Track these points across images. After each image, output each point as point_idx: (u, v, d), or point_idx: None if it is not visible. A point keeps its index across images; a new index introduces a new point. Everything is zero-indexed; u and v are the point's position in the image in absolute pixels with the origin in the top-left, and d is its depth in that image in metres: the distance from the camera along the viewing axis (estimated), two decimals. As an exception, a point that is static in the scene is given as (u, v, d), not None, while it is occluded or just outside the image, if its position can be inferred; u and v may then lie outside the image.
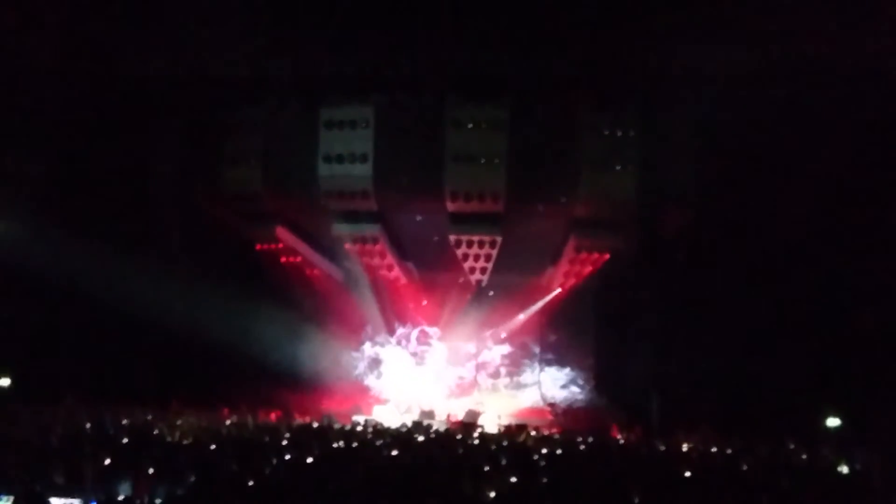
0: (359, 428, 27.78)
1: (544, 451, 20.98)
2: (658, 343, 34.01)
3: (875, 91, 26.24)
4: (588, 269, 35.36)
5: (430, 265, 38.07)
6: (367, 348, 38.88)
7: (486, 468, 16.71)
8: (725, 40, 26.34)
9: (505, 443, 24.08)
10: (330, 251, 36.69)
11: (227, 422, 28.67)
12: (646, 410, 32.75)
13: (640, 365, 35.02)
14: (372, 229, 33.73)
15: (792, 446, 24.05)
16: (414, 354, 38.90)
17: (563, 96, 30.94)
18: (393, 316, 39.07)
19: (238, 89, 31.38)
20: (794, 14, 24.94)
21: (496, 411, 34.41)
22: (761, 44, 26.21)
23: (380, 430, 26.61)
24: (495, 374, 39.65)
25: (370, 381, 38.56)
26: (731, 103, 26.99)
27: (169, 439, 21.51)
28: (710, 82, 27.72)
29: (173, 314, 30.65)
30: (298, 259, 36.67)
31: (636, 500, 13.71)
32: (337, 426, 28.54)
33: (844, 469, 19.53)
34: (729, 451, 23.22)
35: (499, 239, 33.24)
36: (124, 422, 25.31)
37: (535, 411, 37.02)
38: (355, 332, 38.57)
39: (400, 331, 39.05)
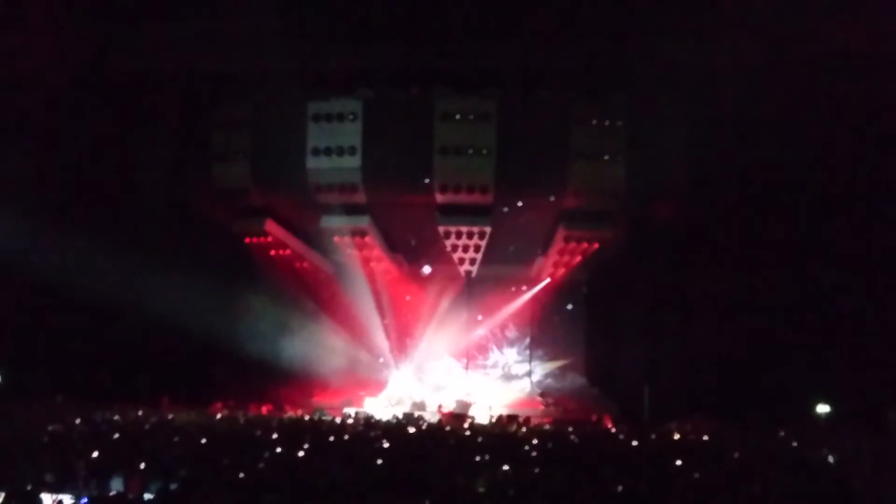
0: (350, 421, 27.80)
1: (535, 441, 21.01)
2: (649, 333, 34.12)
3: (865, 84, 26.30)
4: (577, 259, 35.37)
5: (420, 257, 38.13)
6: (357, 341, 38.90)
7: (478, 459, 16.76)
8: (714, 33, 26.40)
9: (496, 434, 24.13)
10: (320, 244, 36.62)
11: (218, 416, 28.69)
12: (637, 400, 32.82)
13: (631, 355, 35.14)
14: (361, 222, 33.65)
15: (782, 434, 24.13)
16: (404, 346, 38.95)
17: (552, 88, 30.91)
18: (383, 307, 39.05)
19: (227, 85, 31.33)
20: (782, 8, 24.98)
21: (487, 402, 34.43)
22: (750, 36, 26.25)
23: (371, 423, 26.62)
24: (486, 365, 39.76)
25: (361, 373, 38.57)
26: (719, 95, 27.03)
27: (160, 434, 21.48)
28: (698, 74, 27.76)
29: (163, 310, 30.56)
30: (288, 252, 36.59)
31: (628, 490, 13.74)
32: (328, 419, 28.60)
33: (831, 459, 19.58)
34: (720, 440, 23.27)
35: (488, 230, 33.24)
36: (115, 418, 25.30)
37: (526, 402, 37.09)
38: (345, 324, 38.50)
39: (389, 322, 39.11)
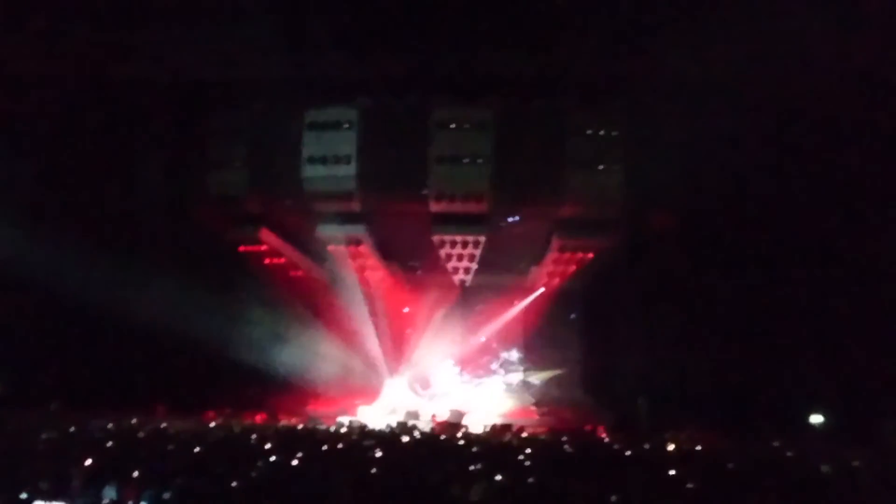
0: (344, 429, 27.75)
1: (529, 451, 20.98)
2: (644, 342, 34.11)
3: (861, 94, 26.33)
4: (572, 268, 35.41)
5: (415, 266, 38.16)
6: (351, 349, 38.84)
7: (471, 468, 16.74)
8: (712, 42, 26.41)
9: (490, 443, 24.11)
10: (314, 253, 36.62)
11: (213, 424, 28.63)
12: (632, 410, 32.80)
13: (626, 365, 35.15)
14: (356, 230, 33.62)
15: (777, 445, 24.13)
16: (399, 355, 38.91)
17: (548, 97, 30.90)
18: (378, 316, 39.01)
19: (223, 92, 31.29)
20: (780, 17, 25.01)
21: (481, 411, 34.39)
22: (748, 46, 26.27)
23: (365, 432, 26.58)
24: (480, 374, 39.75)
25: (355, 381, 38.51)
26: (716, 104, 27.02)
27: (154, 442, 21.44)
28: (696, 83, 27.76)
29: (158, 318, 30.54)
30: (283, 260, 36.59)
31: (622, 500, 13.73)
32: (322, 428, 28.56)
33: (826, 468, 19.55)
34: (715, 451, 23.26)
35: (483, 239, 33.22)
36: (109, 426, 25.24)
37: (520, 411, 37.04)
38: (340, 333, 38.46)
39: (383, 331, 39.07)
